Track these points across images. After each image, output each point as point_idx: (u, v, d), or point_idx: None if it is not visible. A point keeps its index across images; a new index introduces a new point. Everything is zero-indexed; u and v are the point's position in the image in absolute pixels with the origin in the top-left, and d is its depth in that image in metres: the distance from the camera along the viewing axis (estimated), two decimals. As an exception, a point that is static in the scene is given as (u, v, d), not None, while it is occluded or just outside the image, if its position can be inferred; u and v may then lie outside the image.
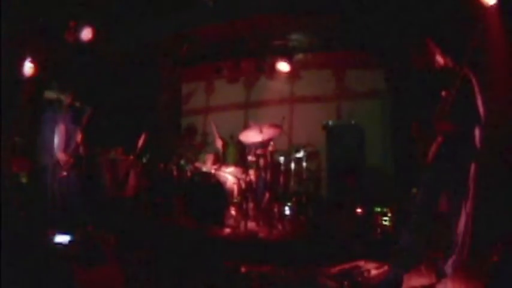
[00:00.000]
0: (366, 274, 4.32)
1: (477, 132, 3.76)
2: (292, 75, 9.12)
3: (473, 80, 3.75)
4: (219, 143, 7.86)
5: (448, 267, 3.83)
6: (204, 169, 7.31)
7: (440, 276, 3.88)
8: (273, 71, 9.03)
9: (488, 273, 3.62)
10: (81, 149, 5.70)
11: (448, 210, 3.87)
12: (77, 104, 5.65)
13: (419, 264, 4.16)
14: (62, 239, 3.39)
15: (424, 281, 4.08)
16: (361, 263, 4.59)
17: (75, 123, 5.66)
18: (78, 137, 5.62)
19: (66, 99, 5.61)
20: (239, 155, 7.76)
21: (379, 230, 5.73)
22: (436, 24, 5.50)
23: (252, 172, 7.25)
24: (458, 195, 3.75)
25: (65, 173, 5.50)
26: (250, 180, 7.18)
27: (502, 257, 3.65)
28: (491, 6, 4.77)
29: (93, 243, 2.64)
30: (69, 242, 3.42)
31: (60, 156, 5.47)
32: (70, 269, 1.61)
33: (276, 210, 7.08)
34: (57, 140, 5.47)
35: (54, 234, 3.81)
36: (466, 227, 3.76)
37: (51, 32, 6.38)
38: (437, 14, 5.65)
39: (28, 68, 6.03)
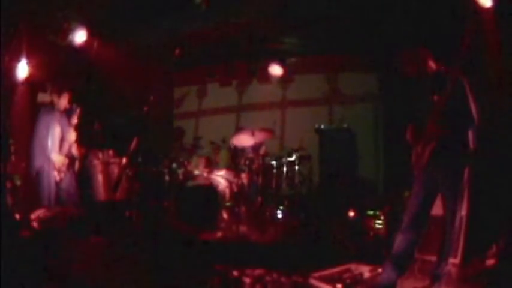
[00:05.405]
0: (358, 277, 4.31)
1: (470, 134, 3.77)
2: (284, 78, 9.12)
3: (466, 83, 3.75)
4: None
5: (442, 271, 3.82)
6: (196, 172, 7.27)
7: (435, 279, 3.87)
8: (265, 75, 9.02)
9: (482, 276, 3.62)
10: (73, 150, 5.65)
11: (442, 213, 3.86)
12: (73, 106, 5.61)
13: (412, 267, 4.16)
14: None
15: (418, 284, 4.08)
16: (353, 266, 4.59)
17: (68, 124, 5.62)
18: (71, 137, 5.57)
19: (61, 101, 5.56)
20: (231, 158, 7.73)
21: (371, 234, 5.73)
22: (429, 27, 5.52)
23: (244, 175, 7.24)
24: (452, 198, 3.75)
25: (60, 174, 5.46)
26: (242, 183, 7.17)
27: (497, 260, 3.66)
28: (488, 8, 4.77)
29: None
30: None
31: (55, 157, 5.42)
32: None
33: (268, 213, 7.07)
34: (51, 141, 5.42)
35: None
36: (460, 230, 3.77)
37: (45, 34, 6.34)
38: (431, 17, 5.67)
39: (22, 70, 5.98)
